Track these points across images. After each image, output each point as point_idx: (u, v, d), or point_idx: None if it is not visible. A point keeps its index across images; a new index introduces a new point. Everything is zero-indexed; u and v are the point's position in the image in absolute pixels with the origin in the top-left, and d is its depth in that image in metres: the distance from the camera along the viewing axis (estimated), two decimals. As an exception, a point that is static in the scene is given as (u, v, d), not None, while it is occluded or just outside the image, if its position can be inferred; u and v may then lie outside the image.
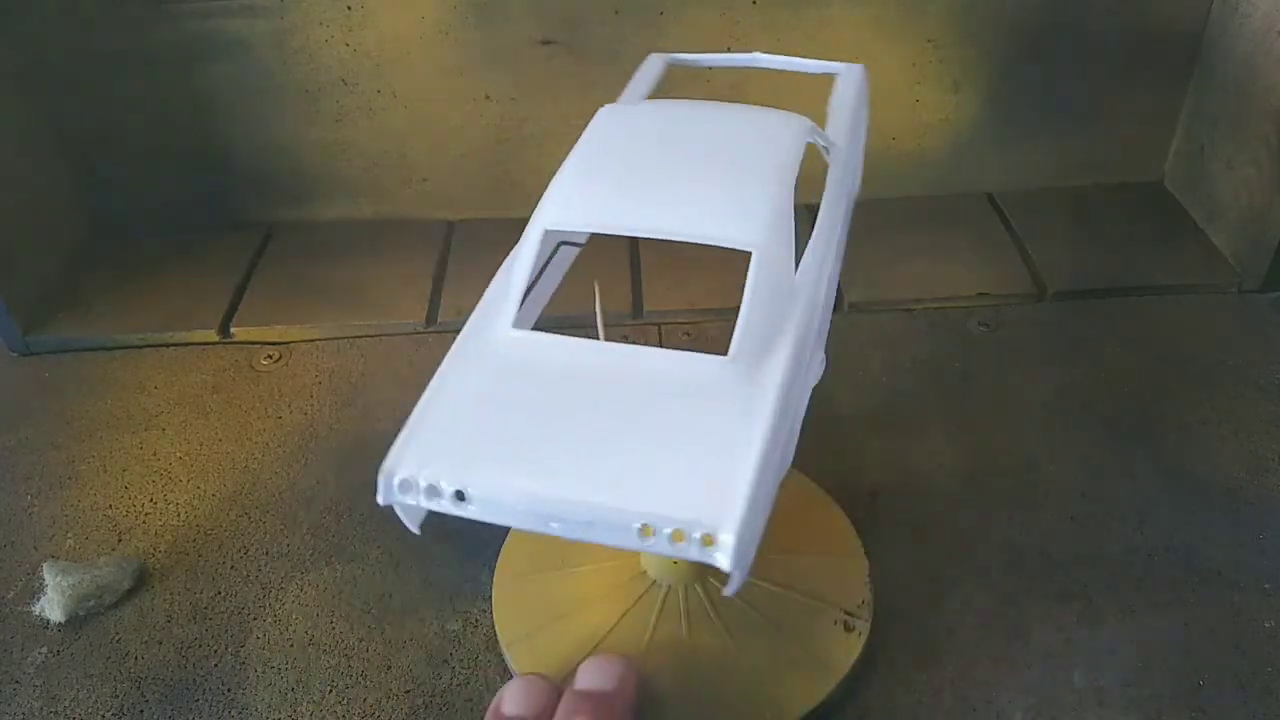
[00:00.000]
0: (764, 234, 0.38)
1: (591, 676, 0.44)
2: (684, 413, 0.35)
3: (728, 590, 0.33)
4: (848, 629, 0.47)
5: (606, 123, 0.45)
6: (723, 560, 0.31)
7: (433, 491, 0.34)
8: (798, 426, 0.40)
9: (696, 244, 0.38)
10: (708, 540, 0.31)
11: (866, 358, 0.67)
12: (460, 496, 0.34)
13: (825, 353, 0.44)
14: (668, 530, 0.31)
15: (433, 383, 0.37)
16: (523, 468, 0.34)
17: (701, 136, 0.43)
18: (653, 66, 0.53)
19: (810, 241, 0.42)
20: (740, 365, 0.36)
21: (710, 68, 0.54)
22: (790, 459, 0.39)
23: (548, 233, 0.40)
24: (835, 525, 0.53)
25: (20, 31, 0.73)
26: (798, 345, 0.37)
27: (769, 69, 0.51)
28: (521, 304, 0.39)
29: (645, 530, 0.32)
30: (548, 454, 0.34)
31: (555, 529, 0.33)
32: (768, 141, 0.42)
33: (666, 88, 0.76)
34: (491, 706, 0.43)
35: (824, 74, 0.51)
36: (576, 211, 0.40)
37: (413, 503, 0.35)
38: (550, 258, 0.45)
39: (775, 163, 0.41)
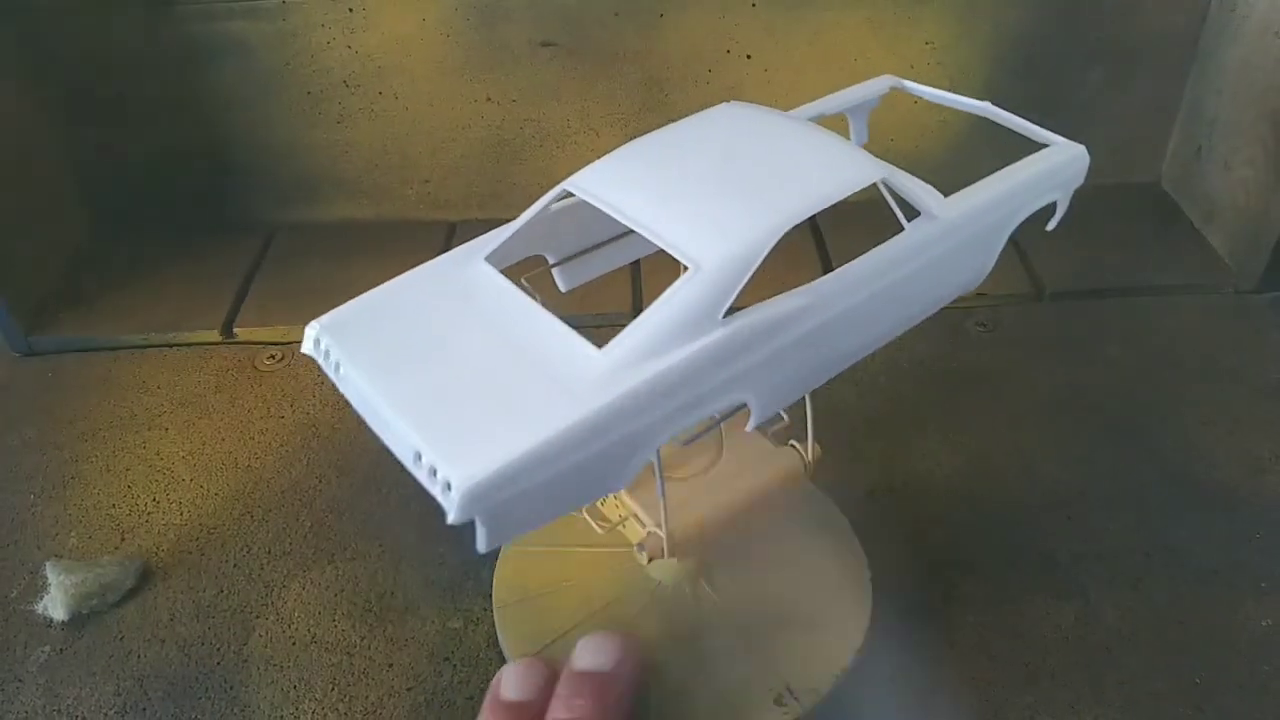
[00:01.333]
0: (713, 256, 0.36)
1: (589, 656, 0.43)
2: (533, 381, 0.36)
3: (478, 547, 0.34)
4: (778, 703, 0.44)
5: (705, 116, 0.45)
6: (448, 510, 0.33)
7: (326, 355, 0.39)
8: (646, 453, 0.37)
9: (657, 244, 0.38)
10: (447, 487, 0.33)
11: (866, 358, 0.67)
12: (338, 367, 0.39)
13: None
14: (429, 464, 0.34)
15: (399, 276, 0.42)
16: (382, 366, 0.38)
17: (762, 152, 0.42)
18: (877, 84, 0.52)
19: (796, 291, 0.39)
20: (605, 363, 0.36)
21: (932, 102, 0.51)
22: (620, 484, 0.37)
23: (566, 193, 0.42)
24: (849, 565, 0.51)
25: (23, 32, 0.73)
26: (681, 374, 0.36)
27: (996, 121, 0.49)
28: (504, 244, 0.43)
29: (418, 457, 0.34)
30: (407, 365, 0.38)
31: (370, 423, 0.37)
32: (816, 176, 0.40)
33: (662, 88, 0.77)
34: (489, 692, 0.43)
35: (1042, 142, 0.48)
36: (595, 182, 0.41)
37: (314, 357, 0.40)
38: (622, 235, 0.46)
39: (797, 200, 0.38)
